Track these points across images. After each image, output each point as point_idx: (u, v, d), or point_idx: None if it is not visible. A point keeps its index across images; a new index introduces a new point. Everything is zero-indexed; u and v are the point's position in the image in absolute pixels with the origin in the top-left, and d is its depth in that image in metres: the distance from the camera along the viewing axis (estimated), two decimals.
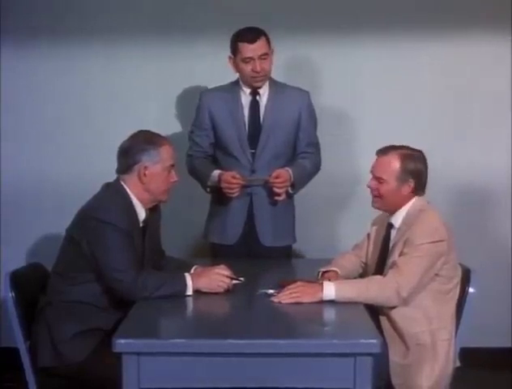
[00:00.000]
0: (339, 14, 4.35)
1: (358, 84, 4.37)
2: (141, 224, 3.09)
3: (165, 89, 4.39)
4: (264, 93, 3.73)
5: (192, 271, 3.14)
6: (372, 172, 3.13)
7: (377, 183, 3.10)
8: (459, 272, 3.07)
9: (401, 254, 2.97)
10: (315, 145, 3.83)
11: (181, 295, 2.93)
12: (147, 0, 4.37)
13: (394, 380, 2.93)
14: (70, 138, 4.41)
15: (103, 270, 2.94)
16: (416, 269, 2.91)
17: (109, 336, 2.51)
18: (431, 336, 2.95)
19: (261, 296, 2.94)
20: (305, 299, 2.83)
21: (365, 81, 4.37)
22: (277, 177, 3.62)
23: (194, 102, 4.07)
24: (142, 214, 3.09)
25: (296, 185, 3.72)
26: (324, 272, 3.17)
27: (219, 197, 3.77)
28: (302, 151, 3.80)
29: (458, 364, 3.06)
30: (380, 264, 3.14)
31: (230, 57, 3.71)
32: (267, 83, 3.73)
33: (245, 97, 3.74)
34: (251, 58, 3.62)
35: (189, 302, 2.92)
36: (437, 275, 2.96)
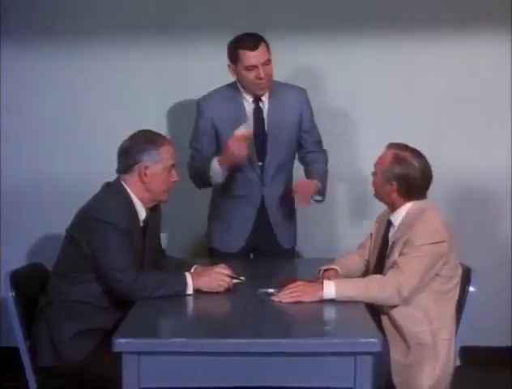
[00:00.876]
0: (339, 14, 4.34)
1: (358, 84, 4.37)
2: (141, 224, 3.09)
3: (165, 89, 4.39)
4: (265, 99, 3.66)
5: (192, 270, 3.14)
6: (374, 162, 3.17)
7: (373, 174, 3.15)
8: (459, 272, 3.07)
9: (401, 254, 2.96)
10: (320, 142, 3.81)
11: (182, 294, 2.93)
12: (147, 0, 4.37)
13: (395, 379, 2.93)
14: (69, 138, 4.41)
15: (103, 270, 2.93)
16: (416, 268, 2.91)
17: (109, 336, 2.51)
18: (432, 336, 2.95)
19: (261, 295, 2.94)
20: (306, 298, 2.83)
21: (365, 81, 4.37)
22: (301, 188, 3.53)
23: (193, 102, 4.06)
24: (142, 214, 3.09)
25: (324, 191, 3.68)
26: (324, 271, 3.18)
27: (222, 199, 3.74)
28: (311, 151, 3.76)
29: (458, 363, 3.06)
30: (379, 261, 3.14)
31: (229, 66, 3.60)
32: None
33: (248, 105, 3.65)
34: (254, 66, 3.52)
35: (190, 302, 2.92)
36: (437, 275, 2.96)
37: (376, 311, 2.96)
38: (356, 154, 4.36)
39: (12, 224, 4.42)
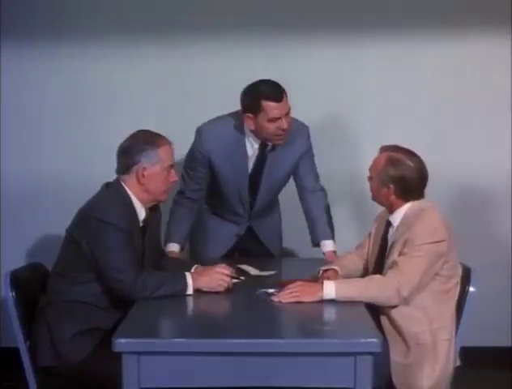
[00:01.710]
0: (339, 14, 4.34)
1: (358, 84, 4.37)
2: (141, 224, 3.09)
3: (165, 89, 4.38)
4: (270, 144, 3.54)
5: (193, 270, 3.14)
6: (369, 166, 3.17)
7: (369, 178, 3.15)
8: (459, 272, 3.07)
9: (401, 253, 2.96)
10: (318, 176, 3.75)
11: (182, 294, 2.93)
12: (147, 0, 4.37)
13: (395, 379, 2.93)
14: (69, 138, 4.41)
15: (103, 270, 2.93)
16: (416, 268, 2.91)
17: (109, 336, 2.50)
18: (431, 336, 2.95)
19: (261, 295, 2.94)
20: (306, 298, 2.83)
21: (365, 81, 4.37)
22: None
23: (193, 102, 4.08)
24: (142, 214, 3.09)
25: (332, 234, 3.71)
26: (324, 271, 3.18)
27: (206, 218, 3.77)
28: (308, 190, 3.71)
29: (458, 363, 3.06)
30: (378, 261, 3.14)
31: (248, 116, 3.42)
32: None
33: (251, 149, 3.55)
34: (278, 118, 3.39)
35: (190, 302, 2.92)
36: (437, 274, 2.96)
37: (376, 311, 2.96)
38: (356, 154, 4.36)
39: (12, 224, 4.42)
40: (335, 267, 3.19)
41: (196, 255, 3.78)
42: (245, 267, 3.36)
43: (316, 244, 3.71)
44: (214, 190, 3.70)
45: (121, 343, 2.43)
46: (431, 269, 2.94)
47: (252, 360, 2.45)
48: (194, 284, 2.95)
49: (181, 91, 4.38)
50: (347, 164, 4.36)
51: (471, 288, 3.06)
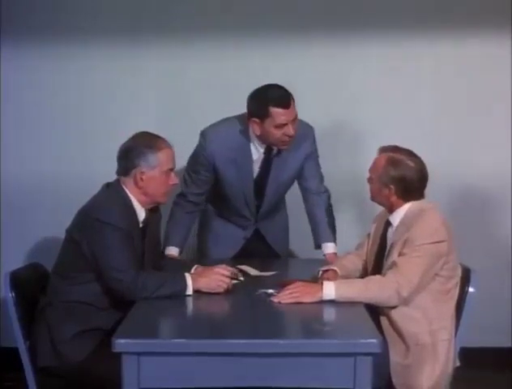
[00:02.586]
0: (339, 14, 4.34)
1: (358, 85, 4.37)
2: (141, 225, 3.09)
3: (165, 89, 4.38)
4: (275, 148, 3.52)
5: (192, 270, 3.14)
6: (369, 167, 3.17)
7: (369, 180, 3.15)
8: (459, 272, 3.07)
9: (400, 254, 2.96)
10: (322, 178, 3.75)
11: (181, 295, 2.93)
12: (147, 0, 4.37)
13: (395, 380, 2.92)
14: (69, 138, 4.41)
15: (103, 270, 2.93)
16: (416, 269, 2.91)
17: (109, 336, 2.50)
18: (431, 336, 2.95)
19: (261, 296, 2.94)
20: (305, 299, 2.83)
21: (366, 81, 4.37)
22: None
23: (193, 102, 4.08)
24: (141, 214, 3.09)
25: (334, 236, 3.71)
26: (324, 271, 3.18)
27: (213, 220, 3.76)
28: (312, 192, 3.70)
29: (458, 364, 3.06)
30: (377, 261, 3.14)
31: (254, 121, 3.38)
32: None
33: (257, 153, 3.52)
34: (285, 124, 3.35)
35: (189, 302, 2.92)
36: (436, 274, 2.96)
37: (375, 312, 2.96)
38: (357, 154, 4.36)
39: (12, 224, 4.42)
40: (335, 268, 3.19)
41: (203, 256, 3.78)
42: (244, 267, 3.36)
43: (318, 246, 3.71)
44: (219, 193, 3.68)
45: (121, 343, 2.43)
46: (431, 269, 2.94)
47: (252, 360, 2.45)
48: (194, 284, 2.95)
49: (181, 91, 4.37)
50: (347, 165, 4.35)
51: (471, 289, 3.06)
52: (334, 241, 3.69)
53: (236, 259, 3.61)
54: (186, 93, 4.37)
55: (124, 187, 3.05)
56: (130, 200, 3.05)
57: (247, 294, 2.99)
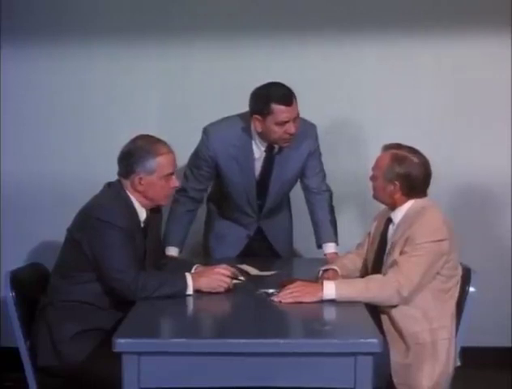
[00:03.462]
0: (339, 15, 4.34)
1: (359, 84, 4.37)
2: (142, 224, 3.09)
3: (165, 89, 4.39)
4: (277, 146, 3.52)
5: (193, 270, 3.14)
6: (372, 165, 3.17)
7: (373, 178, 3.15)
8: (459, 271, 3.07)
9: (402, 252, 2.96)
10: (324, 176, 3.75)
11: (182, 295, 2.93)
12: (147, 0, 4.37)
13: (395, 379, 2.92)
14: (70, 138, 4.41)
15: (103, 269, 2.93)
16: (417, 268, 2.91)
17: (110, 336, 2.50)
18: (431, 335, 2.95)
19: (261, 295, 2.94)
20: (306, 298, 2.83)
21: (366, 81, 4.37)
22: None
23: (193, 102, 4.08)
24: (142, 214, 3.09)
25: (335, 237, 3.72)
26: (324, 271, 3.18)
27: (216, 220, 3.77)
28: (315, 191, 3.70)
29: (458, 363, 3.06)
30: (378, 258, 3.14)
31: (256, 118, 3.39)
32: None
33: (258, 151, 3.53)
34: (287, 121, 3.36)
35: (190, 302, 2.92)
36: (437, 273, 2.96)
37: (376, 311, 2.96)
38: (357, 153, 4.36)
39: (12, 224, 4.42)
40: (335, 267, 3.19)
41: (207, 256, 3.80)
42: (245, 267, 3.35)
43: (319, 246, 3.72)
44: (222, 191, 3.69)
45: (121, 343, 2.43)
46: (432, 268, 2.94)
47: (252, 360, 2.45)
48: (194, 284, 2.95)
49: (181, 91, 4.37)
50: (347, 164, 4.35)
51: (471, 289, 3.06)
52: (335, 241, 3.69)
53: (239, 259, 3.61)
54: (186, 93, 4.37)
55: (125, 188, 3.05)
56: (131, 200, 3.05)
57: (248, 294, 2.99)
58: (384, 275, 2.97)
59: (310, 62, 4.35)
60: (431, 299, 2.97)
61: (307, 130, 3.59)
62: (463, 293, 3.06)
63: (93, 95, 4.39)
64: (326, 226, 3.70)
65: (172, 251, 3.59)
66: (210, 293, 2.95)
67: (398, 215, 3.10)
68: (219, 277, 2.98)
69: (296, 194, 3.85)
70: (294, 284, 2.89)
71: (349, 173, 4.33)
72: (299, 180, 3.73)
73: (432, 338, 2.95)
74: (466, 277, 3.08)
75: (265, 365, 2.46)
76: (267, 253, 3.78)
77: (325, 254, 3.67)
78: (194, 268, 3.17)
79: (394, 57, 4.37)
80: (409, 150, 3.08)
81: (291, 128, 3.38)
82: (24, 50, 4.34)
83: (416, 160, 3.05)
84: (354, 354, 2.43)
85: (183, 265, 3.24)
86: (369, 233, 3.33)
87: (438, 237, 2.95)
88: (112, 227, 2.92)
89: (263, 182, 3.60)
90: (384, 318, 2.99)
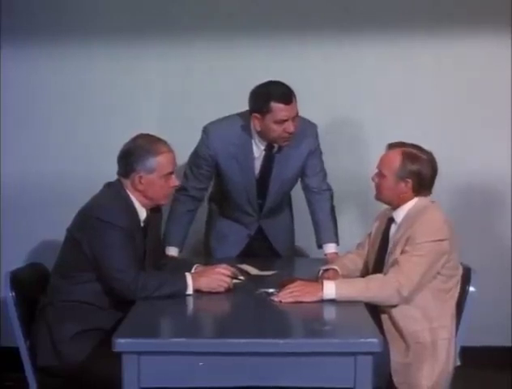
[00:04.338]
0: (339, 14, 4.34)
1: (359, 84, 4.37)
2: (142, 224, 3.09)
3: (165, 89, 4.38)
4: (276, 145, 3.52)
5: (193, 270, 3.14)
6: (377, 165, 3.15)
7: (379, 177, 3.13)
8: (460, 271, 3.08)
9: (403, 252, 2.96)
10: (325, 175, 3.75)
11: (182, 294, 2.93)
12: (147, 0, 4.37)
13: (395, 379, 2.92)
14: (70, 138, 4.41)
15: (103, 269, 2.93)
16: (417, 268, 2.91)
17: (109, 336, 2.50)
18: (431, 335, 2.95)
19: (261, 295, 2.94)
20: (306, 298, 2.83)
21: (366, 81, 4.37)
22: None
23: (193, 102, 4.07)
24: (142, 214, 3.09)
25: (336, 237, 3.72)
26: (324, 271, 3.18)
27: (218, 220, 3.77)
28: (315, 191, 3.70)
29: (458, 363, 3.06)
30: (379, 257, 3.14)
31: (255, 116, 3.39)
32: None
33: (258, 150, 3.53)
34: (286, 120, 3.36)
35: (190, 302, 2.92)
36: (438, 273, 2.97)
37: (376, 311, 2.96)
38: (357, 153, 4.36)
39: (12, 224, 4.42)
40: (335, 267, 3.19)
41: (208, 256, 3.80)
42: (245, 266, 3.35)
43: (319, 246, 3.72)
44: (222, 190, 3.69)
45: (121, 343, 2.43)
46: (432, 268, 2.94)
47: (252, 360, 2.45)
48: (194, 284, 2.95)
49: (181, 91, 4.37)
50: (347, 164, 4.35)
51: (472, 288, 3.06)
52: (336, 241, 3.69)
53: (239, 258, 3.61)
54: (186, 93, 4.37)
55: (125, 188, 3.05)
56: (131, 200, 3.05)
57: (248, 294, 2.99)
58: (385, 274, 2.97)
59: (310, 62, 4.35)
60: (431, 299, 2.97)
61: (307, 129, 3.59)
62: (463, 293, 3.06)
63: (93, 95, 4.39)
64: (326, 226, 3.70)
65: (172, 251, 3.59)
66: (210, 293, 2.95)
67: (400, 215, 3.10)
68: (219, 277, 2.98)
69: (297, 194, 3.85)
70: (294, 284, 2.89)
71: (349, 172, 4.33)
72: (299, 179, 3.73)
73: (432, 337, 2.95)
74: (466, 277, 3.08)
75: (265, 365, 2.46)
76: (268, 252, 3.78)
77: (325, 255, 3.67)
78: (193, 268, 3.17)
79: (394, 57, 4.37)
80: (416, 147, 3.09)
81: (290, 127, 3.38)
82: (24, 50, 4.34)
83: (424, 157, 3.07)
84: (354, 354, 2.43)
85: (183, 265, 3.24)
86: (370, 234, 3.33)
87: (439, 236, 2.95)
88: (112, 227, 2.92)
89: (263, 181, 3.60)
90: (384, 317, 2.99)
